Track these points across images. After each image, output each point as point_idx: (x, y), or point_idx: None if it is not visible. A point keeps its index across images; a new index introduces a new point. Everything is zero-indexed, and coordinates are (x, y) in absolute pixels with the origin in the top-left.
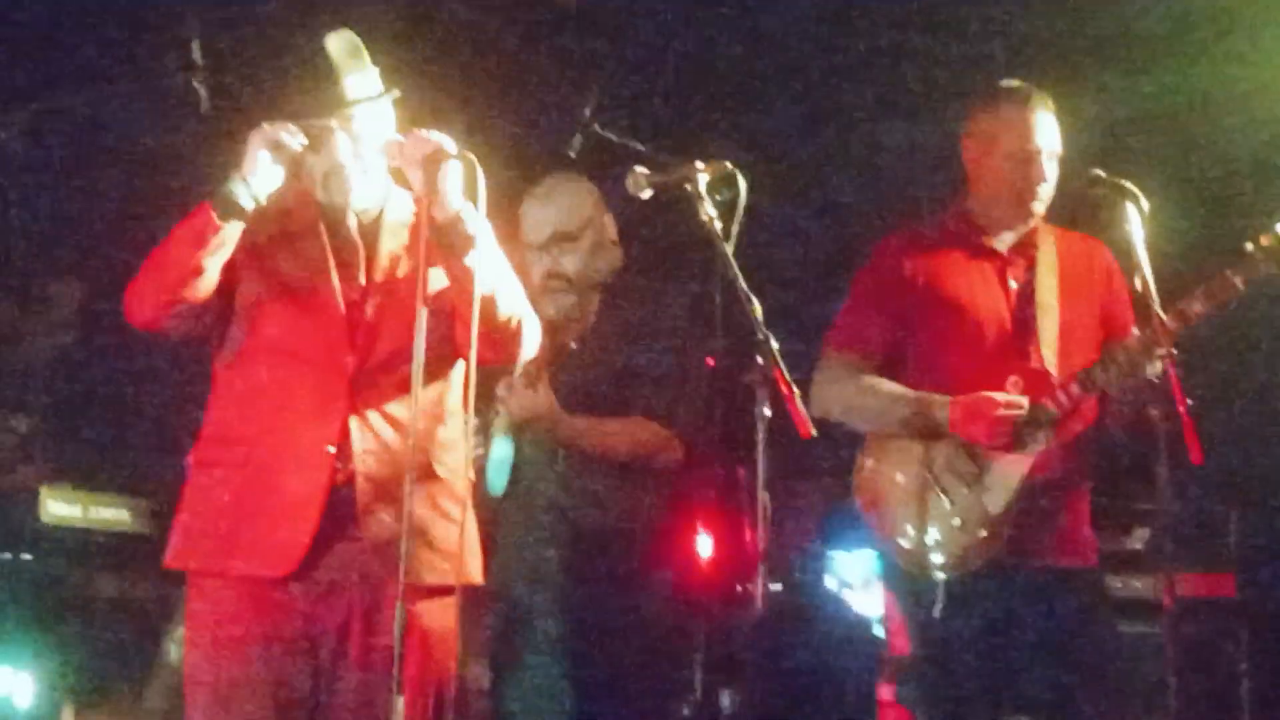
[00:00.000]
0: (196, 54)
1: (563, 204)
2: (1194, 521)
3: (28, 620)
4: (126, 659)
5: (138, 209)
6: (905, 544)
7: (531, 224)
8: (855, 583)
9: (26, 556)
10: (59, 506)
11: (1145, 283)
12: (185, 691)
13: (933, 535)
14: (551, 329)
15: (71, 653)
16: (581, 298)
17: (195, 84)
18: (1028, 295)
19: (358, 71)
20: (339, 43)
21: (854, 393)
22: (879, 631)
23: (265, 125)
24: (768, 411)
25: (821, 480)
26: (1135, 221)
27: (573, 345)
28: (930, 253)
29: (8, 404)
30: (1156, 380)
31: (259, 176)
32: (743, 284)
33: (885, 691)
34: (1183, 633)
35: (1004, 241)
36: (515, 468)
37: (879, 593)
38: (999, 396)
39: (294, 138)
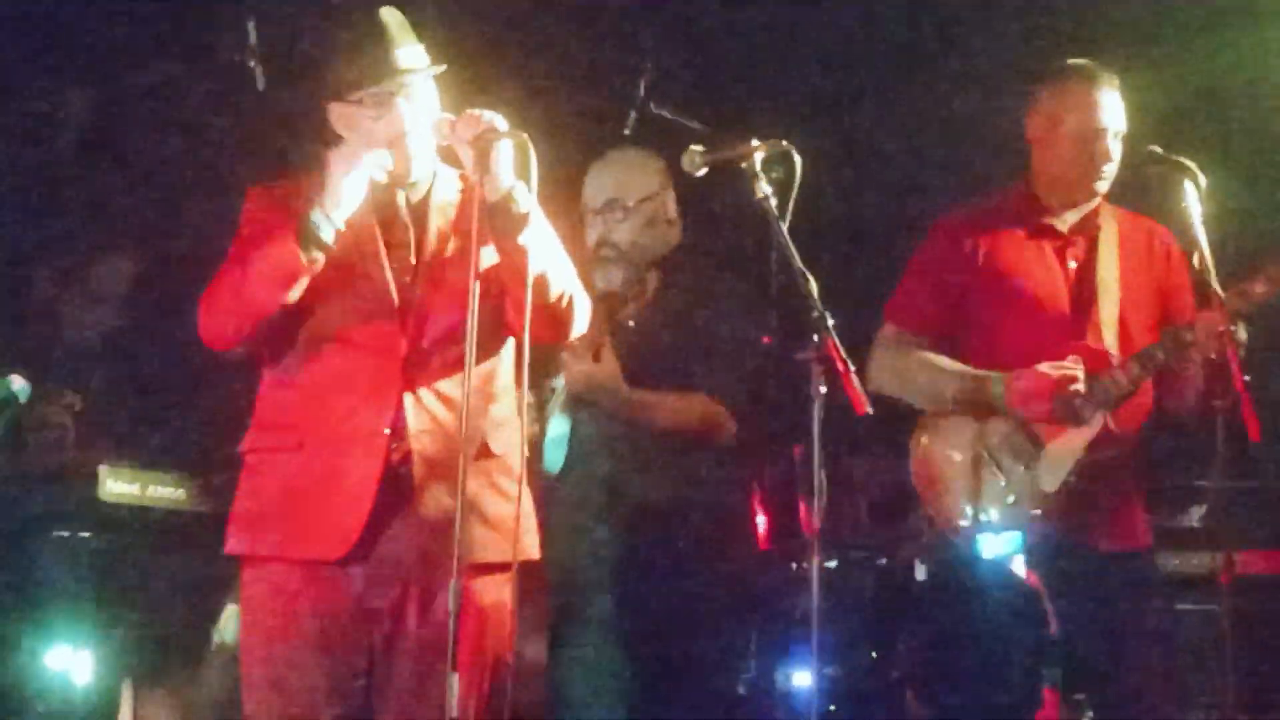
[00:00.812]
0: (252, 33)
1: (624, 174)
2: (1251, 499)
3: (86, 598)
4: (184, 637)
5: (193, 186)
6: (959, 520)
7: (592, 189)
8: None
9: (85, 534)
10: (117, 485)
11: (1203, 260)
12: (242, 670)
13: (987, 512)
14: (608, 303)
15: (130, 630)
16: (634, 272)
17: (251, 63)
18: (1088, 275)
19: (409, 44)
20: (391, 15)
21: (909, 367)
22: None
23: (347, 148)
24: (823, 389)
25: (877, 458)
26: (1193, 198)
27: (630, 323)
28: (990, 230)
29: (62, 381)
30: (1215, 358)
31: (342, 208)
32: (798, 261)
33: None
34: (1240, 609)
35: (1065, 221)
36: (571, 445)
37: (1022, 572)
38: (1054, 372)
39: (379, 163)
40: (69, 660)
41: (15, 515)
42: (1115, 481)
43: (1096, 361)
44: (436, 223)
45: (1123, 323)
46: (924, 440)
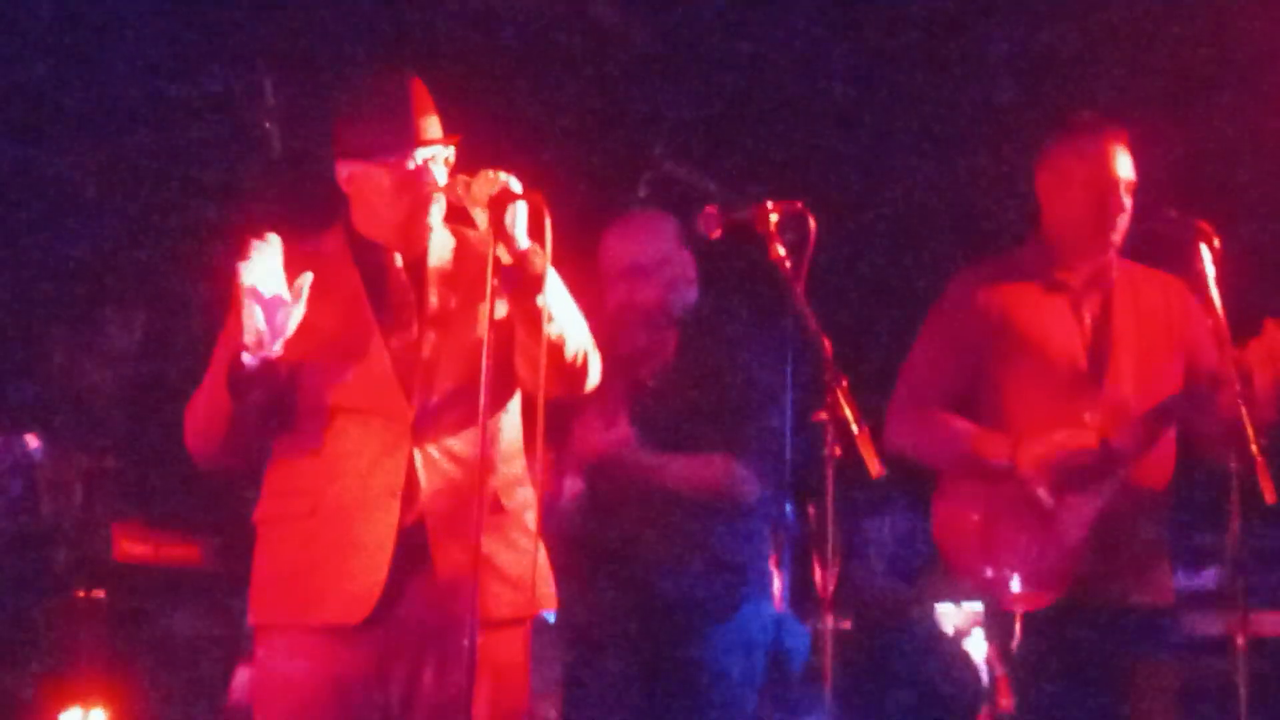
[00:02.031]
0: (269, 94)
1: (641, 237)
2: (1269, 559)
3: (100, 657)
4: (197, 696)
5: (207, 245)
6: (981, 578)
7: (610, 255)
8: (954, 635)
9: (98, 593)
10: (131, 544)
11: (1218, 322)
12: None
13: (1008, 569)
14: (628, 364)
15: (143, 690)
16: (655, 333)
17: (267, 124)
18: (1103, 330)
19: (429, 114)
20: (417, 86)
21: (926, 430)
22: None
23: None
24: (837, 450)
25: (895, 517)
26: (1207, 259)
27: (650, 382)
28: (1004, 287)
29: (74, 440)
30: (1228, 418)
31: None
32: (814, 322)
33: None
34: (1256, 671)
35: (1078, 275)
36: (587, 506)
37: (981, 645)
38: (1065, 441)
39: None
40: None
41: (29, 574)
42: (1137, 535)
43: (1114, 416)
44: (436, 281)
45: (1140, 375)
46: (946, 498)
